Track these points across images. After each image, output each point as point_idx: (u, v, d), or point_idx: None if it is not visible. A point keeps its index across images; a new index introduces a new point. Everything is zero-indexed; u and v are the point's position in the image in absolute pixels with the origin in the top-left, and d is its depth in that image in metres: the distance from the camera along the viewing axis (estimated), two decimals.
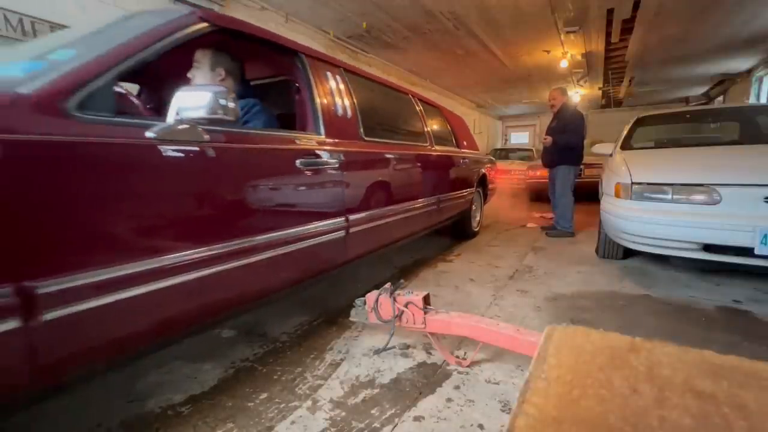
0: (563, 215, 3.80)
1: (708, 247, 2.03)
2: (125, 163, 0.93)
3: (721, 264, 2.06)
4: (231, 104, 1.02)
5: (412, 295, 1.43)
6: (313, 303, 2.05)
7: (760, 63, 7.47)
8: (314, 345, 1.61)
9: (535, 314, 1.91)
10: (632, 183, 2.30)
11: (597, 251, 3.01)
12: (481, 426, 1.11)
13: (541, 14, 5.14)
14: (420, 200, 2.49)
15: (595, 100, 11.79)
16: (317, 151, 1.57)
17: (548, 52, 6.84)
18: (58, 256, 0.80)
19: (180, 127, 1.01)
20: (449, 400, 1.23)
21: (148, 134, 0.96)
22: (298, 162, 1.45)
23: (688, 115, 3.76)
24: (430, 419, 1.14)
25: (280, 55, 1.67)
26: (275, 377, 1.38)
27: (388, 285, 1.50)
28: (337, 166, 1.64)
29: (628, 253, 2.87)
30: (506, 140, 16.08)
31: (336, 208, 1.66)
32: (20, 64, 1.00)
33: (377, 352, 1.53)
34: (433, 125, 3.05)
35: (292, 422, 1.14)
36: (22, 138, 0.76)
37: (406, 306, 1.41)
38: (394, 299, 1.44)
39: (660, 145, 3.19)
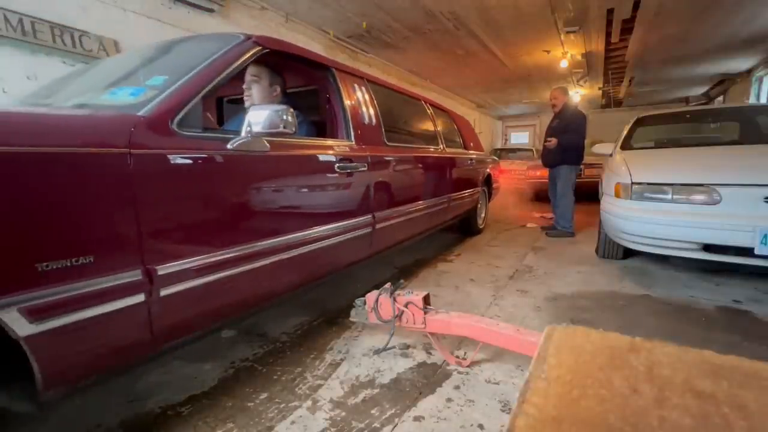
0: (563, 215, 3.79)
1: (708, 247, 2.03)
2: (214, 169, 1.12)
3: (721, 264, 2.05)
4: (290, 119, 1.20)
5: (412, 295, 1.43)
6: (313, 303, 2.05)
7: (760, 63, 7.46)
8: (314, 345, 1.62)
9: (535, 314, 1.91)
10: (632, 183, 2.30)
11: (597, 251, 3.00)
12: (481, 426, 1.11)
13: (541, 14, 5.13)
14: (433, 199, 2.64)
15: (595, 100, 11.77)
16: (350, 156, 1.73)
17: (548, 52, 6.83)
18: (170, 245, 0.99)
19: (252, 139, 1.19)
20: (449, 400, 1.23)
21: (229, 146, 1.15)
22: (336, 166, 1.62)
23: (688, 115, 3.76)
24: (430, 419, 1.14)
25: (313, 69, 1.84)
26: (275, 377, 1.38)
27: (388, 285, 1.50)
28: (365, 169, 1.81)
29: (628, 253, 2.87)
30: (506, 140, 16.07)
31: (365, 206, 1.83)
32: (126, 89, 1.20)
33: (377, 352, 1.53)
34: (443, 128, 3.20)
35: (292, 422, 1.14)
36: (146, 152, 0.92)
37: (406, 306, 1.41)
38: (394, 299, 1.44)
39: (660, 145, 3.19)
